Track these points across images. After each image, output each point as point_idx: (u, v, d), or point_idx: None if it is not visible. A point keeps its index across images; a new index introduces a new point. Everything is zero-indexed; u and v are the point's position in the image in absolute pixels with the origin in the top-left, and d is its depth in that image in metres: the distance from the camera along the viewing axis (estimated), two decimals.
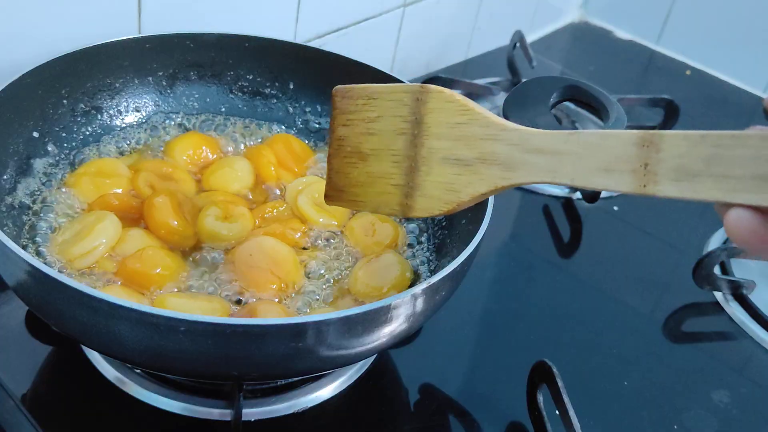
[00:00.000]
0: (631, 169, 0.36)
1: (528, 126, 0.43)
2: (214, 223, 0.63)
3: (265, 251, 0.60)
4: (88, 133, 0.70)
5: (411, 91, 0.47)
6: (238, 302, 0.58)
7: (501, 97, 1.07)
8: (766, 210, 0.30)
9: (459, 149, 0.45)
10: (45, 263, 0.53)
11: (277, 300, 0.59)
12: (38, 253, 0.59)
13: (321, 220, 0.66)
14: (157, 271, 0.58)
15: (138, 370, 0.58)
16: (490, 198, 0.58)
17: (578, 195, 0.92)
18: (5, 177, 0.61)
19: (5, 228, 0.58)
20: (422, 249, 0.67)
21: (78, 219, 0.62)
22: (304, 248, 0.65)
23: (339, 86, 0.51)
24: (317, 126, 0.78)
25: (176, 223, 0.62)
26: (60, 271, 0.56)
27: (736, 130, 0.33)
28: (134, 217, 0.63)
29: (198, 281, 0.59)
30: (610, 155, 0.37)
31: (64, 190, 0.65)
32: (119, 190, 0.65)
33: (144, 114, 0.74)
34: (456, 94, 0.46)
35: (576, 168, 0.39)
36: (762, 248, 0.30)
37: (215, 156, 0.72)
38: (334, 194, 0.53)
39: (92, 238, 0.59)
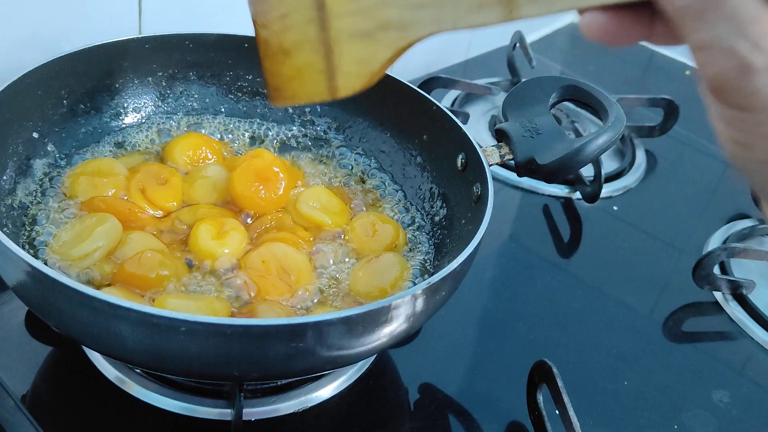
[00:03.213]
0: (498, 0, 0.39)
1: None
2: (209, 243, 0.61)
3: (278, 258, 0.60)
4: (87, 133, 0.70)
5: None
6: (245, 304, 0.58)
7: (501, 97, 1.07)
8: (611, 7, 0.33)
9: (360, 22, 0.48)
10: (45, 264, 0.53)
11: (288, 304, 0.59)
12: (38, 254, 0.59)
13: (328, 219, 0.66)
14: (156, 274, 0.57)
15: (138, 370, 0.58)
16: (490, 198, 0.58)
17: (578, 195, 0.92)
18: (5, 177, 0.61)
19: (5, 228, 0.58)
20: (422, 249, 0.67)
21: (78, 220, 0.62)
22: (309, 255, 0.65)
23: None
24: (318, 126, 0.78)
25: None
26: (60, 272, 0.56)
27: None
28: (123, 220, 0.62)
29: (198, 285, 0.59)
30: None
31: (62, 189, 0.65)
32: (113, 191, 0.65)
33: (143, 114, 0.74)
34: None
35: (456, 12, 0.42)
36: (614, 41, 0.33)
37: (214, 157, 0.72)
38: (275, 94, 0.55)
39: (92, 240, 0.59)
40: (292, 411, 0.58)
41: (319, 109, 0.78)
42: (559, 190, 0.93)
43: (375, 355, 0.63)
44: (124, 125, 0.73)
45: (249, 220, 0.66)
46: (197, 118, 0.76)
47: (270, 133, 0.77)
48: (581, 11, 0.34)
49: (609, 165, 0.99)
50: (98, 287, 0.57)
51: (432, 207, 0.70)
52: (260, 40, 0.55)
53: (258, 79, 0.77)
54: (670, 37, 0.32)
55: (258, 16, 0.54)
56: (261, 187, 0.67)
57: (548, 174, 0.61)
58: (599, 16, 0.33)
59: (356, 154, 0.76)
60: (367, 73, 0.50)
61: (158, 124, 0.74)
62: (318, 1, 0.50)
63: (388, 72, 0.69)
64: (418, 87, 0.73)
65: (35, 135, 0.65)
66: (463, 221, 0.64)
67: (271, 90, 0.55)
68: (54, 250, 0.59)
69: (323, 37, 0.51)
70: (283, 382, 0.59)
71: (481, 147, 0.64)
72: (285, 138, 0.78)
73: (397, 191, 0.73)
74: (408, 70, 1.08)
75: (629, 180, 0.98)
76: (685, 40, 0.30)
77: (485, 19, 0.40)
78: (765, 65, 0.28)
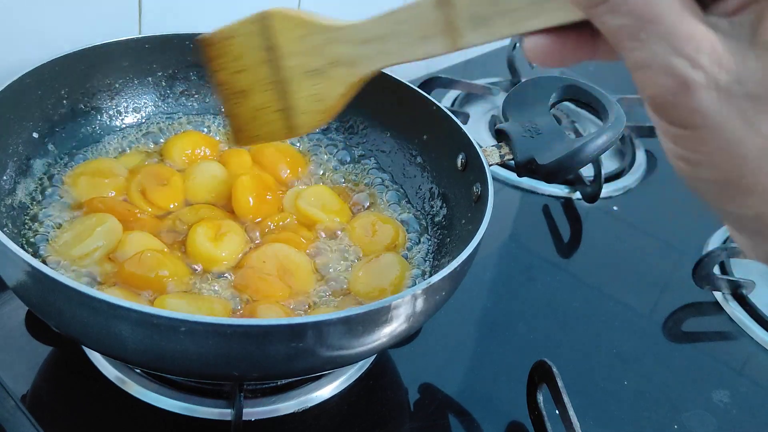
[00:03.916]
0: (441, 30, 0.39)
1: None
2: (207, 246, 0.61)
3: (279, 259, 0.60)
4: (87, 133, 0.70)
5: (256, 21, 0.51)
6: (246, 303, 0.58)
7: (501, 97, 1.07)
8: (552, 29, 0.33)
9: (310, 60, 0.49)
10: (45, 264, 0.53)
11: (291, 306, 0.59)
12: (38, 254, 0.59)
13: (327, 218, 0.66)
14: (156, 274, 0.57)
15: (138, 370, 0.58)
16: (490, 198, 0.58)
17: (578, 195, 0.92)
18: (5, 177, 0.61)
19: (5, 228, 0.58)
20: (422, 249, 0.67)
21: (78, 220, 0.62)
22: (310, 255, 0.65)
23: (199, 36, 0.55)
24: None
25: None
26: (60, 272, 0.56)
27: None
28: (123, 220, 0.62)
29: (198, 285, 0.59)
30: (421, 23, 0.40)
31: (62, 189, 0.65)
32: (113, 193, 0.65)
33: (143, 114, 0.74)
34: (292, 10, 0.49)
35: (401, 45, 0.42)
36: (559, 62, 0.33)
37: (213, 155, 0.72)
38: (237, 136, 0.56)
39: (92, 240, 0.59)
40: (292, 411, 0.58)
41: None
42: (559, 190, 0.93)
43: (375, 355, 0.63)
44: (124, 125, 0.73)
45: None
46: (197, 118, 0.76)
47: None
48: (525, 35, 0.34)
49: (609, 165, 0.99)
50: (98, 287, 0.57)
51: (432, 207, 0.70)
52: (216, 82, 0.55)
53: None
54: (614, 53, 0.32)
55: (212, 60, 0.55)
56: (258, 198, 0.67)
57: (548, 174, 0.61)
58: (542, 39, 0.33)
59: (356, 154, 0.76)
60: (322, 110, 0.50)
61: (158, 124, 0.74)
62: (268, 43, 0.51)
63: (388, 72, 0.69)
64: (418, 87, 0.73)
65: (35, 135, 0.65)
66: (463, 221, 0.64)
67: (233, 131, 0.56)
68: (54, 250, 0.59)
69: (277, 77, 0.51)
70: (283, 382, 0.59)
71: (481, 147, 0.63)
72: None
73: (397, 191, 0.73)
74: (408, 70, 1.08)
75: (629, 180, 0.98)
76: (624, 60, 0.30)
77: (431, 50, 0.40)
78: (704, 82, 0.27)
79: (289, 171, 0.72)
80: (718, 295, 0.80)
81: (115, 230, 0.60)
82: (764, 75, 0.27)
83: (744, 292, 0.80)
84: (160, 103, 0.75)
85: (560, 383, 0.57)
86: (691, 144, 0.29)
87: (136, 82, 0.73)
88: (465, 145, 0.65)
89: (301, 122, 0.52)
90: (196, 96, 0.76)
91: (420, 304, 0.49)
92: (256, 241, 0.64)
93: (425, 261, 0.66)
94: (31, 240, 0.60)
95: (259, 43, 0.51)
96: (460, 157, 0.66)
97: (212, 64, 0.55)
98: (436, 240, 0.68)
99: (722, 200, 0.30)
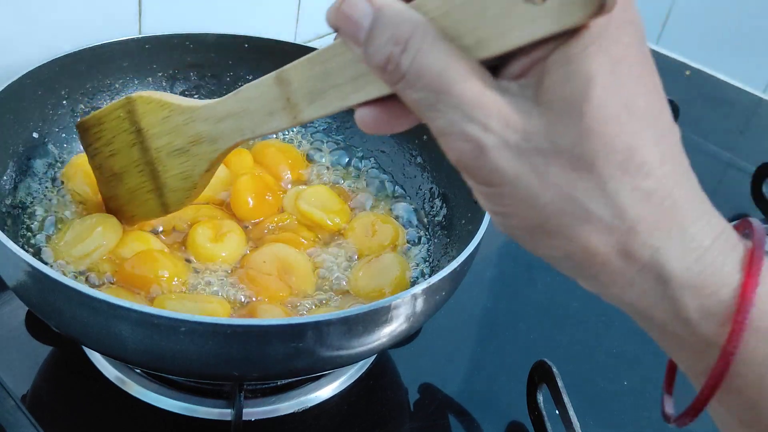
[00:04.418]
0: (282, 106, 0.41)
1: None
2: (207, 245, 0.61)
3: (279, 259, 0.60)
4: None
5: (122, 106, 0.54)
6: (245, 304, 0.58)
7: None
8: (379, 100, 0.35)
9: (174, 140, 0.51)
10: (45, 263, 0.53)
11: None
12: (38, 254, 0.59)
13: (327, 218, 0.66)
14: (156, 274, 0.57)
15: (138, 370, 0.58)
16: None
17: None
18: (5, 178, 0.61)
19: (5, 228, 0.58)
20: (422, 249, 0.67)
21: (78, 220, 0.62)
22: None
23: (78, 121, 0.59)
24: (317, 126, 0.78)
25: None
26: (60, 272, 0.56)
27: (336, 42, 0.36)
28: None
29: (198, 285, 0.59)
30: (265, 101, 0.42)
31: (63, 189, 0.65)
32: None
33: None
34: (155, 94, 0.52)
35: (252, 121, 0.44)
36: (389, 129, 0.35)
37: None
38: (117, 216, 0.59)
39: (92, 240, 0.59)
40: (292, 411, 0.58)
41: None
42: None
43: (375, 355, 0.63)
44: None
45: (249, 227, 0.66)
46: None
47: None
48: (354, 107, 0.36)
49: None
50: (98, 287, 0.57)
51: (432, 207, 0.70)
52: (92, 165, 0.58)
53: None
54: None
55: (87, 145, 0.58)
56: (258, 198, 0.67)
57: None
58: (369, 110, 0.35)
59: (356, 154, 0.76)
60: (190, 187, 0.53)
61: None
62: (135, 125, 0.54)
63: None
64: None
65: (35, 135, 0.65)
66: (463, 221, 0.64)
67: (111, 212, 0.59)
68: (54, 250, 0.59)
69: (146, 158, 0.54)
70: (283, 382, 0.59)
71: None
72: (285, 139, 0.78)
73: (397, 191, 0.73)
74: None
75: None
76: (430, 128, 0.32)
77: (277, 125, 0.42)
78: (495, 143, 0.30)
79: (290, 171, 0.72)
80: None
81: (115, 230, 0.60)
82: (547, 129, 0.29)
83: None
84: None
85: (560, 383, 0.57)
86: (497, 199, 0.31)
87: (136, 82, 0.73)
88: None
89: (171, 199, 0.55)
90: (196, 96, 0.76)
91: (420, 304, 0.49)
92: (256, 241, 0.64)
93: (425, 261, 0.66)
94: (31, 240, 0.60)
95: (127, 127, 0.54)
96: None
97: (88, 150, 0.58)
98: (436, 240, 0.68)
99: (534, 245, 0.32)
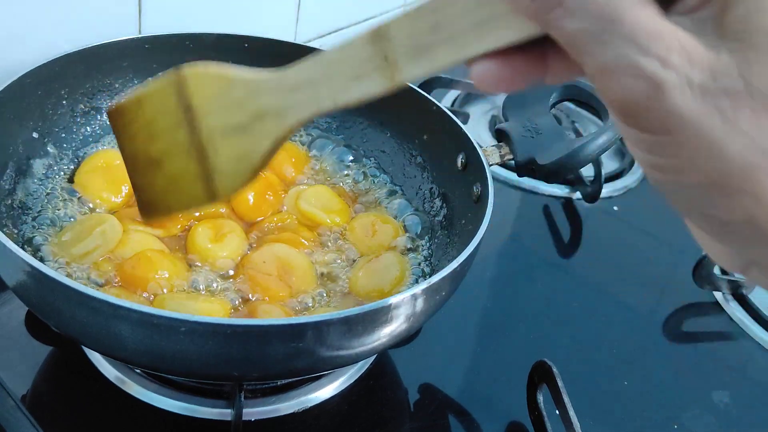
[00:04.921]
0: (375, 67, 0.36)
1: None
2: (207, 245, 0.61)
3: (280, 259, 0.60)
4: (87, 133, 0.70)
5: (169, 81, 0.47)
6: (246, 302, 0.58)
7: (501, 97, 1.07)
8: (499, 53, 0.31)
9: (232, 117, 0.45)
10: (45, 263, 0.53)
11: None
12: (38, 254, 0.59)
13: (327, 218, 0.66)
14: (156, 275, 0.57)
15: (138, 370, 0.58)
16: (490, 198, 0.58)
17: (578, 195, 0.92)
18: (5, 177, 0.61)
19: (5, 228, 0.58)
20: (422, 249, 0.67)
21: (78, 220, 0.62)
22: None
23: (110, 106, 0.50)
24: (317, 126, 0.78)
25: None
26: (59, 272, 0.56)
27: None
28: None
29: (199, 285, 0.59)
30: (354, 63, 0.37)
31: (63, 189, 0.65)
32: (126, 187, 0.65)
33: None
34: (209, 65, 0.46)
35: (332, 89, 0.39)
36: (509, 87, 0.31)
37: None
38: (147, 211, 0.51)
39: (92, 240, 0.59)
40: (292, 411, 0.58)
41: None
42: (559, 190, 0.93)
43: (375, 355, 0.63)
44: None
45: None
46: None
47: None
48: (469, 63, 0.32)
49: (609, 165, 0.99)
50: (98, 287, 0.57)
51: (432, 207, 0.70)
52: (126, 154, 0.50)
53: None
54: (566, 71, 0.31)
55: (122, 130, 0.49)
56: (258, 198, 0.67)
57: (548, 174, 0.61)
58: (489, 64, 0.31)
59: (356, 154, 0.76)
60: (248, 169, 0.46)
61: None
62: (184, 102, 0.46)
63: None
64: (418, 87, 0.73)
65: (35, 135, 0.65)
66: (463, 221, 0.64)
67: (142, 206, 0.51)
68: (54, 250, 0.59)
69: (195, 140, 0.46)
70: (283, 382, 0.59)
71: (481, 147, 0.63)
72: None
73: (397, 191, 0.73)
74: None
75: (629, 180, 0.98)
76: (585, 68, 0.28)
77: (367, 91, 0.38)
78: (676, 82, 0.25)
79: (293, 170, 0.72)
80: (718, 295, 0.80)
81: (115, 230, 0.60)
82: (741, 66, 0.25)
83: (744, 292, 0.80)
84: None
85: (560, 383, 0.57)
86: (669, 150, 0.27)
87: (136, 82, 0.73)
88: (465, 145, 0.65)
89: (223, 185, 0.47)
90: None
91: (420, 304, 0.49)
92: (257, 241, 0.64)
93: (425, 261, 0.66)
94: (31, 240, 0.60)
95: (173, 105, 0.47)
96: (460, 157, 0.66)
97: (123, 135, 0.50)
98: (436, 240, 0.68)
99: (707, 206, 0.28)
